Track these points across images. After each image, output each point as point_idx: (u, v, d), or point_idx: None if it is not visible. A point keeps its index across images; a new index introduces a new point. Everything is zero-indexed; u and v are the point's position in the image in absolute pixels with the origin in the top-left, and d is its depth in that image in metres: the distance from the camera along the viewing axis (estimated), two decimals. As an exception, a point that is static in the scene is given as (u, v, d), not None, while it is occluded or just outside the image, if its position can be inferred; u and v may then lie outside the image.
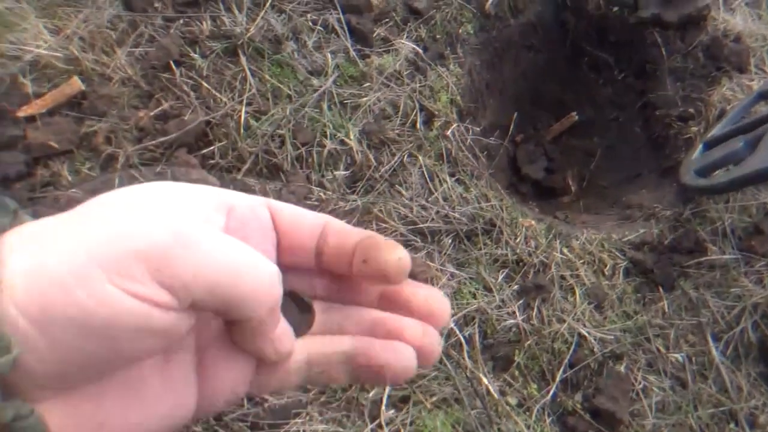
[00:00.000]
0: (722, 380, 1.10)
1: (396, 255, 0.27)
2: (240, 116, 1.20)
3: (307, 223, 0.29)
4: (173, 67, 1.30)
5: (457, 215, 1.19)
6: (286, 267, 0.29)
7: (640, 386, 1.09)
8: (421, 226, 1.16)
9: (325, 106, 1.26)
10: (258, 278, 0.24)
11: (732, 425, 1.07)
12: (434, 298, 0.30)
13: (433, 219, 1.18)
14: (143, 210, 0.22)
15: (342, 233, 0.29)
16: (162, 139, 1.11)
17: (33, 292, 0.19)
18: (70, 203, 0.25)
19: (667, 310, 1.15)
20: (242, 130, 1.19)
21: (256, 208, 0.28)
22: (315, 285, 0.31)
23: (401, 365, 0.27)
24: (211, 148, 1.15)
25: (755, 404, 1.08)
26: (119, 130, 1.11)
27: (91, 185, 1.08)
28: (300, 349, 0.28)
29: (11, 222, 0.22)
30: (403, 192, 1.20)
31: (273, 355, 0.26)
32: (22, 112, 1.24)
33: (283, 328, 0.27)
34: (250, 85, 1.28)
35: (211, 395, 0.26)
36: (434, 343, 0.29)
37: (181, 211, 0.23)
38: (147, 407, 0.24)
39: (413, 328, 0.29)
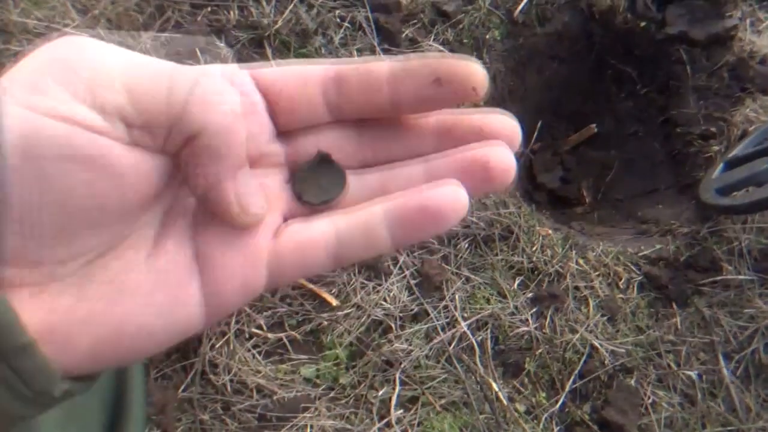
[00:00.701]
0: (731, 400, 1.10)
1: (477, 64, 0.23)
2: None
3: (304, 74, 0.24)
4: (198, 54, 1.29)
5: (475, 220, 1.19)
6: (292, 132, 0.25)
7: (650, 401, 1.09)
8: (439, 228, 1.16)
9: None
10: (201, 86, 0.21)
11: (739, 445, 1.07)
12: (507, 120, 0.25)
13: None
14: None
15: (363, 69, 0.24)
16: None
17: None
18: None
19: (679, 326, 1.15)
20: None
21: (233, 74, 0.24)
22: (339, 145, 0.26)
23: (459, 204, 0.23)
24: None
25: (763, 425, 1.08)
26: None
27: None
28: (326, 225, 0.24)
29: None
30: (423, 193, 1.20)
31: (235, 207, 0.22)
32: (46, 90, 1.24)
33: (249, 185, 0.23)
34: (275, 77, 1.28)
35: (219, 288, 0.23)
36: (513, 161, 0.24)
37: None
38: (136, 300, 0.22)
39: (495, 151, 0.24)
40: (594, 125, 1.52)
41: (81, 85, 0.19)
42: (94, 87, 0.19)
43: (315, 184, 0.25)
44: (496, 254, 1.18)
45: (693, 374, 1.11)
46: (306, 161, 0.25)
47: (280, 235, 0.24)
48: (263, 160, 0.25)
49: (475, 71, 0.23)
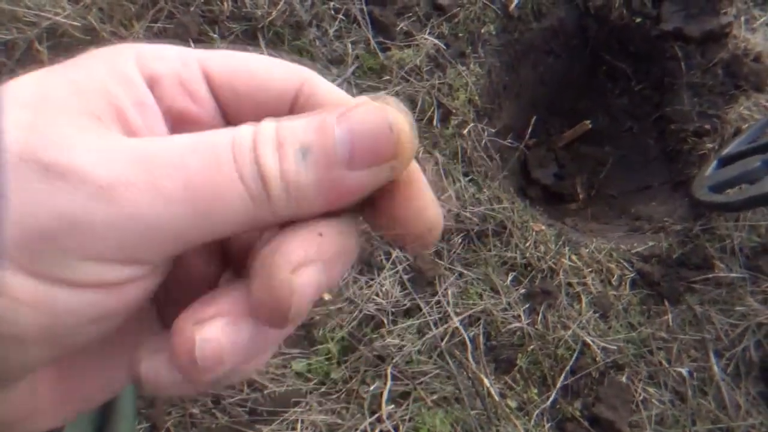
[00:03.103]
0: (721, 397, 1.11)
1: (431, 216, 0.20)
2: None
3: (270, 87, 0.20)
4: (191, 45, 1.28)
5: (468, 215, 1.19)
6: None
7: (640, 398, 1.09)
8: (432, 223, 1.15)
9: (342, 95, 1.25)
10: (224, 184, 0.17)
11: (728, 442, 1.07)
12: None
13: (444, 217, 1.17)
14: (43, 145, 0.16)
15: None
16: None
17: None
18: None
19: (671, 323, 1.16)
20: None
21: (185, 77, 0.20)
22: None
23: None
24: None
25: (752, 423, 1.09)
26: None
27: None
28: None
29: None
30: (416, 188, 1.19)
31: None
32: (35, 80, 1.22)
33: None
34: (268, 69, 1.27)
35: None
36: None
37: (90, 127, 0.17)
38: (86, 379, 0.21)
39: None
40: (588, 121, 1.51)
41: (113, 246, 0.16)
42: (133, 248, 0.16)
43: None
44: (490, 250, 1.18)
45: (684, 371, 1.12)
46: None
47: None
48: None
49: (423, 231, 0.20)
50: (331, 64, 1.29)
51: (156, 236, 0.16)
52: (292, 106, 0.21)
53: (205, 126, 0.20)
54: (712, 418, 1.09)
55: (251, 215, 0.17)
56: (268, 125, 0.18)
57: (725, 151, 1.25)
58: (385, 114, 0.18)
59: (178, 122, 0.20)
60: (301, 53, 1.30)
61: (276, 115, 0.19)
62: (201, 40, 1.29)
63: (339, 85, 1.22)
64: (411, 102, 1.27)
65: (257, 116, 0.19)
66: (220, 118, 0.21)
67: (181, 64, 0.20)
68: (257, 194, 0.17)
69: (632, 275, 1.20)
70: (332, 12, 1.32)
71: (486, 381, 1.08)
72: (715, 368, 1.12)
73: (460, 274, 1.15)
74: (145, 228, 0.16)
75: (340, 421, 1.03)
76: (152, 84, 0.20)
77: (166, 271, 0.19)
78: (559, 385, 1.09)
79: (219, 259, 0.22)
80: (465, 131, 1.26)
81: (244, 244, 0.22)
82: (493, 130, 1.32)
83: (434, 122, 1.25)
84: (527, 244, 1.19)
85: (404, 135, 0.18)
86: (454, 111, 1.27)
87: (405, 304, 1.12)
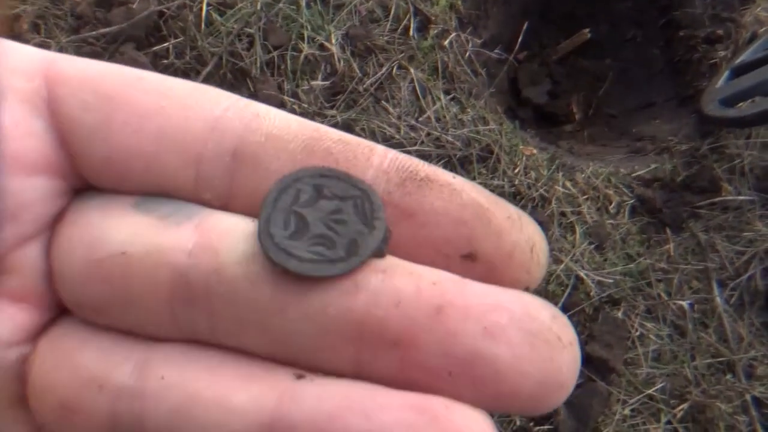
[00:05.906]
0: (723, 329, 1.03)
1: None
2: (201, 8, 1.02)
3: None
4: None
5: (450, 138, 1.05)
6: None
7: (637, 333, 1.01)
8: (409, 149, 1.03)
9: (303, 2, 1.08)
10: None
11: (729, 376, 1.01)
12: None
13: (423, 142, 1.04)
14: None
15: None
16: (104, 30, 0.93)
17: None
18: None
19: (672, 253, 1.06)
20: (203, 26, 1.01)
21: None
22: None
23: None
24: (165, 44, 0.98)
25: (755, 355, 1.02)
26: (50, 15, 0.92)
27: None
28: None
29: None
30: (390, 109, 1.05)
31: None
32: (-65, -10, 1.03)
33: None
34: (215, -28, 1.08)
35: None
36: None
37: None
38: None
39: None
40: (587, 30, 1.35)
41: None
42: None
43: (310, 233, 0.14)
44: (474, 177, 1.06)
45: (684, 304, 1.03)
46: (288, 182, 0.14)
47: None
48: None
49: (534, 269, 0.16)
50: (289, -36, 1.11)
51: None
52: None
53: None
54: (713, 351, 1.02)
55: None
56: None
57: (739, 60, 1.12)
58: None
59: None
60: (253, -48, 1.11)
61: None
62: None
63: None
64: (383, 8, 1.10)
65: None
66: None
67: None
68: None
69: (632, 201, 1.09)
70: None
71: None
72: (718, 299, 1.04)
73: (442, 206, 1.03)
74: None
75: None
76: None
77: None
78: (549, 322, 1.01)
79: None
80: (446, 42, 1.10)
81: None
82: (479, 41, 1.16)
83: (410, 32, 1.10)
84: (516, 171, 1.07)
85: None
86: (433, 18, 1.11)
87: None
